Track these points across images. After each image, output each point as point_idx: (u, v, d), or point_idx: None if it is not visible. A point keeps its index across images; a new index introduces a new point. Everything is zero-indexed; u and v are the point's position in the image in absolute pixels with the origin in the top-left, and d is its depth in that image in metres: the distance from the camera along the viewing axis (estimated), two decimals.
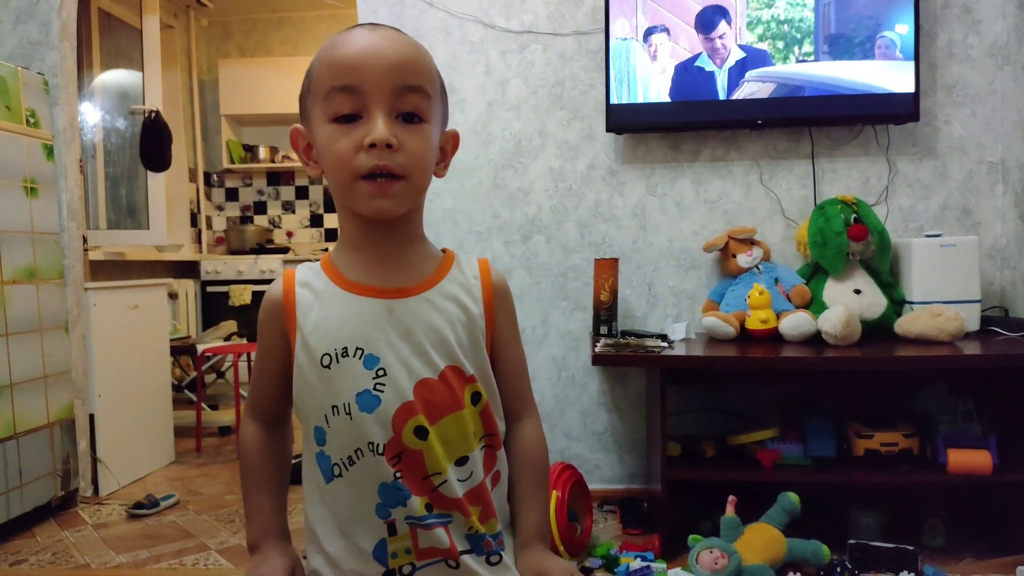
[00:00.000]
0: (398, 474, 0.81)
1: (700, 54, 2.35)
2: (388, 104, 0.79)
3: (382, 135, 0.77)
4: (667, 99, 2.38)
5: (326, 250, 5.04)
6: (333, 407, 0.82)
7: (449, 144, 0.90)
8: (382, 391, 0.81)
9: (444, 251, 0.92)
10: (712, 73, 2.35)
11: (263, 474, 0.93)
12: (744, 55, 2.34)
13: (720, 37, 2.34)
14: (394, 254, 0.86)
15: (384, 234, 0.86)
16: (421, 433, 0.81)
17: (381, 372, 0.82)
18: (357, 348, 0.82)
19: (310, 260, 0.90)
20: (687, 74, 2.36)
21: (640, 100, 2.39)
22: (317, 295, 0.85)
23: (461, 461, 0.84)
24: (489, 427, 0.87)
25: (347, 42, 0.81)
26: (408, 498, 0.81)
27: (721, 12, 2.35)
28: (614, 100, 2.39)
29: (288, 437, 0.97)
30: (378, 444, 0.81)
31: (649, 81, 2.38)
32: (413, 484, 0.81)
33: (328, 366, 0.83)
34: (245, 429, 0.94)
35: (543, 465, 0.94)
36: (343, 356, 0.82)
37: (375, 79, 0.78)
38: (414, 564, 0.82)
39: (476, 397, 0.86)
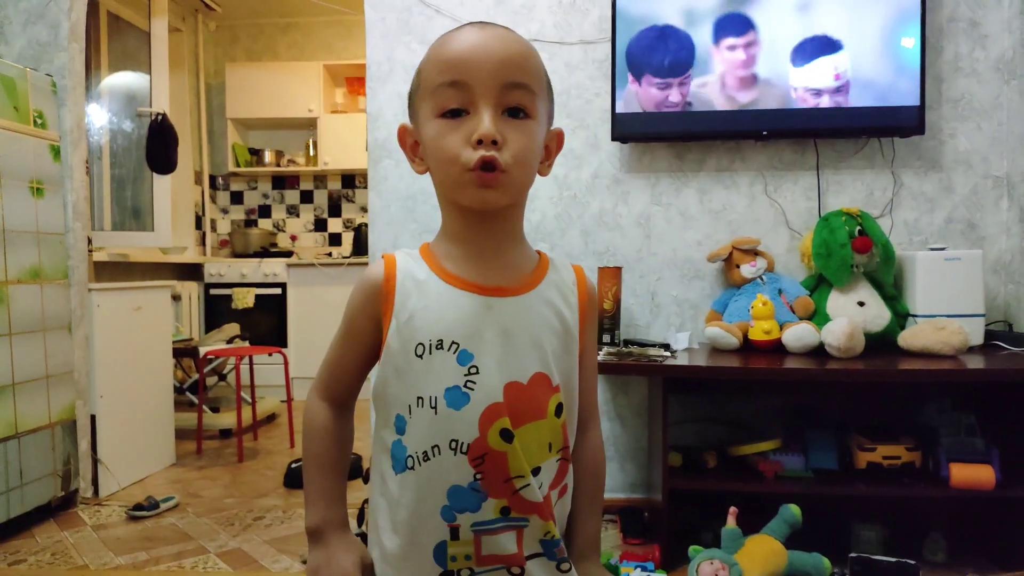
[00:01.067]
0: (478, 476, 0.80)
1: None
2: (495, 100, 0.80)
3: (489, 130, 0.78)
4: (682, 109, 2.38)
5: (330, 254, 5.06)
6: (419, 398, 0.81)
7: (554, 143, 0.90)
8: (472, 389, 0.80)
9: (538, 252, 0.91)
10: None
11: (329, 458, 0.89)
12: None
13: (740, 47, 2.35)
14: (495, 250, 0.86)
15: (486, 229, 0.85)
16: (507, 436, 0.80)
17: (473, 370, 0.81)
18: (453, 342, 0.81)
19: (409, 249, 0.90)
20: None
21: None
22: (417, 284, 0.84)
23: (535, 472, 0.82)
24: (565, 440, 0.86)
25: (456, 40, 0.83)
26: (483, 501, 0.80)
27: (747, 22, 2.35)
28: (619, 109, 2.39)
29: (352, 423, 0.94)
30: (462, 443, 0.80)
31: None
32: (493, 486, 0.80)
33: (420, 356, 0.82)
34: (314, 409, 0.90)
35: (603, 476, 0.95)
36: (437, 348, 0.81)
37: (482, 75, 0.79)
38: (472, 570, 0.81)
39: (559, 409, 0.85)
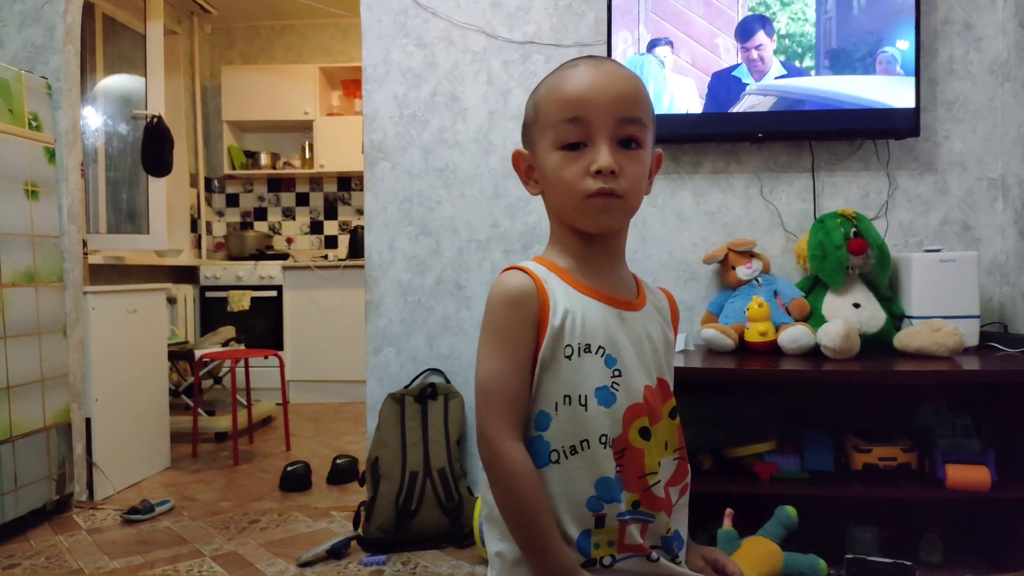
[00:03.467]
0: (619, 468, 0.87)
1: (739, 65, 2.36)
2: (611, 133, 0.88)
3: (607, 163, 0.86)
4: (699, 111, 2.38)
5: (325, 257, 5.06)
6: (566, 396, 0.88)
7: (655, 163, 0.97)
8: (617, 389, 0.88)
9: (632, 273, 1.00)
10: (747, 85, 2.36)
11: (545, 502, 0.86)
12: (785, 71, 2.34)
13: (757, 47, 2.35)
14: (612, 268, 0.95)
15: (602, 248, 0.94)
16: (645, 433, 0.89)
17: (617, 373, 0.89)
18: (599, 347, 0.89)
19: (528, 262, 0.95)
20: (721, 85, 2.37)
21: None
22: (561, 291, 0.91)
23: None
24: (681, 441, 0.98)
25: (574, 78, 0.90)
26: (621, 492, 0.87)
27: (761, 22, 2.35)
28: None
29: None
30: (609, 438, 0.87)
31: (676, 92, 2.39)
32: (629, 481, 0.88)
33: (569, 357, 0.88)
34: (512, 453, 0.85)
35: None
36: (585, 352, 0.88)
37: (599, 112, 0.88)
38: (614, 556, 0.88)
39: (673, 411, 0.96)
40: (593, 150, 0.88)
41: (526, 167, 0.97)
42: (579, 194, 0.88)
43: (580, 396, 0.87)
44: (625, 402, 0.88)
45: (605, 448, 0.87)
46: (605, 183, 0.87)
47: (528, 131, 0.96)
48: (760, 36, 2.35)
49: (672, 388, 0.97)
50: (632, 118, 0.89)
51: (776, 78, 2.35)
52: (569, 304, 0.89)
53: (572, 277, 0.92)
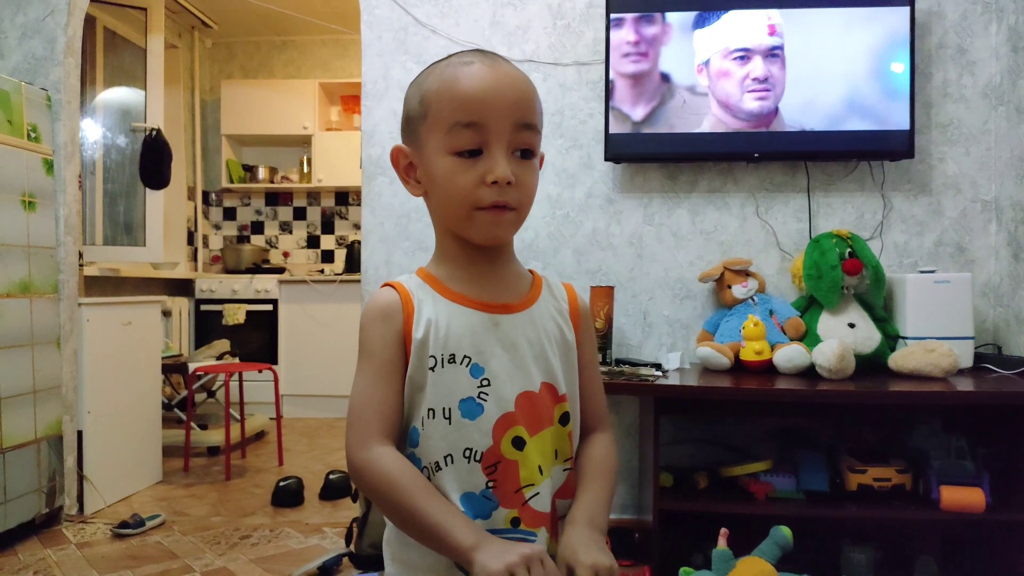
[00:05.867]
0: (491, 484, 0.83)
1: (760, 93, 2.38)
2: (508, 141, 0.83)
3: (504, 174, 0.82)
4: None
5: (322, 271, 5.05)
6: (430, 410, 0.84)
7: (539, 165, 0.93)
8: (485, 400, 0.84)
9: (531, 271, 0.96)
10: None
11: (428, 486, 0.81)
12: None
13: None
14: (494, 271, 0.90)
15: (484, 253, 0.89)
16: (519, 444, 0.84)
17: (485, 382, 0.84)
18: (465, 356, 0.85)
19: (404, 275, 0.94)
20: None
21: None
22: (426, 302, 0.88)
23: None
24: (571, 450, 0.91)
25: (469, 78, 0.84)
26: (494, 509, 0.83)
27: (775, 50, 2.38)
28: (613, 130, 2.41)
29: None
30: (476, 451, 0.83)
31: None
32: (505, 496, 0.83)
33: (433, 369, 0.84)
34: (371, 458, 0.81)
35: (609, 467, 0.94)
36: (449, 362, 0.84)
37: (498, 117, 0.83)
38: None
39: (565, 417, 0.89)
40: (489, 158, 0.82)
41: (406, 165, 0.90)
42: (471, 204, 0.83)
43: (444, 409, 0.83)
44: (495, 413, 0.84)
45: (471, 462, 0.82)
46: (500, 196, 0.82)
47: (412, 127, 0.88)
48: (775, 64, 2.37)
49: (564, 391, 0.89)
50: (529, 124, 0.85)
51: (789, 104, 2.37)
52: (434, 314, 0.86)
53: (445, 286, 0.89)
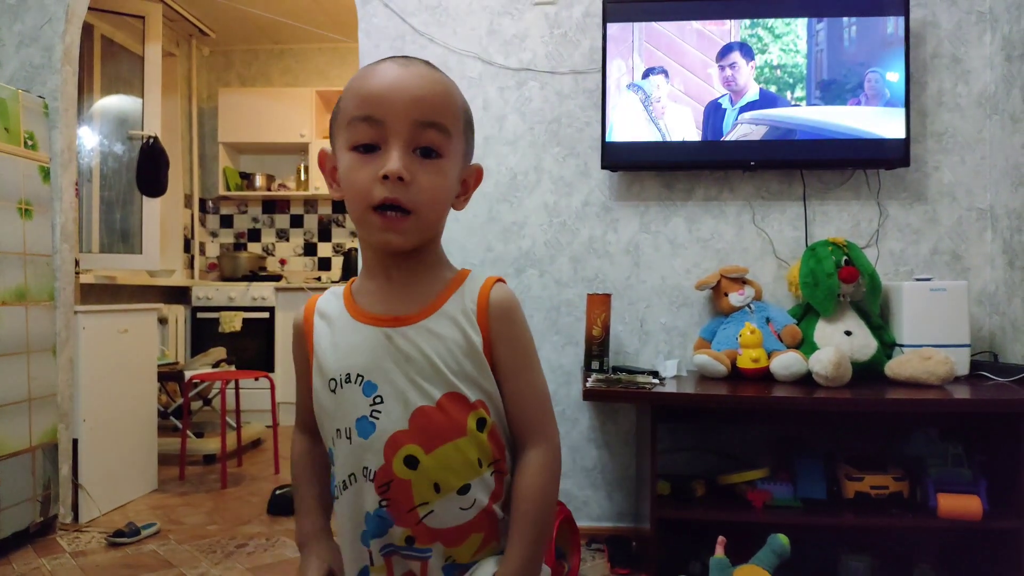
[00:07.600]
0: (384, 503, 0.83)
1: (726, 95, 2.39)
2: (406, 138, 0.81)
3: (395, 168, 0.79)
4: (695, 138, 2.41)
5: (319, 279, 5.05)
6: (338, 430, 0.86)
7: (472, 178, 0.91)
8: (377, 418, 0.83)
9: (462, 271, 0.91)
10: (725, 111, 2.39)
11: (307, 476, 0.98)
12: (758, 97, 2.38)
13: (731, 66, 2.37)
14: (405, 282, 0.87)
15: (396, 263, 0.87)
16: (411, 463, 0.82)
17: (378, 399, 0.84)
18: (358, 375, 0.85)
19: (329, 287, 0.99)
20: (713, 113, 2.40)
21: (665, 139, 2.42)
22: (330, 322, 0.89)
23: (464, 489, 0.83)
24: (496, 454, 0.86)
25: (375, 74, 0.83)
26: (390, 527, 0.83)
27: (739, 44, 2.38)
28: (611, 138, 2.42)
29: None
30: (370, 470, 0.83)
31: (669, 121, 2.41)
32: (398, 515, 0.83)
33: (334, 390, 0.86)
34: (294, 440, 1.00)
35: (537, 500, 0.85)
36: (347, 382, 0.85)
37: (395, 112, 0.80)
38: None
39: (481, 423, 0.85)
40: (385, 154, 0.81)
41: (331, 167, 0.89)
42: (366, 202, 0.81)
43: (346, 429, 0.85)
44: (386, 431, 0.82)
45: (368, 481, 0.83)
46: (391, 192, 0.79)
47: (331, 127, 0.89)
48: (734, 56, 2.38)
49: (479, 397, 0.85)
50: (432, 123, 0.81)
51: (750, 103, 2.37)
52: (334, 335, 0.87)
53: (353, 300, 0.89)
